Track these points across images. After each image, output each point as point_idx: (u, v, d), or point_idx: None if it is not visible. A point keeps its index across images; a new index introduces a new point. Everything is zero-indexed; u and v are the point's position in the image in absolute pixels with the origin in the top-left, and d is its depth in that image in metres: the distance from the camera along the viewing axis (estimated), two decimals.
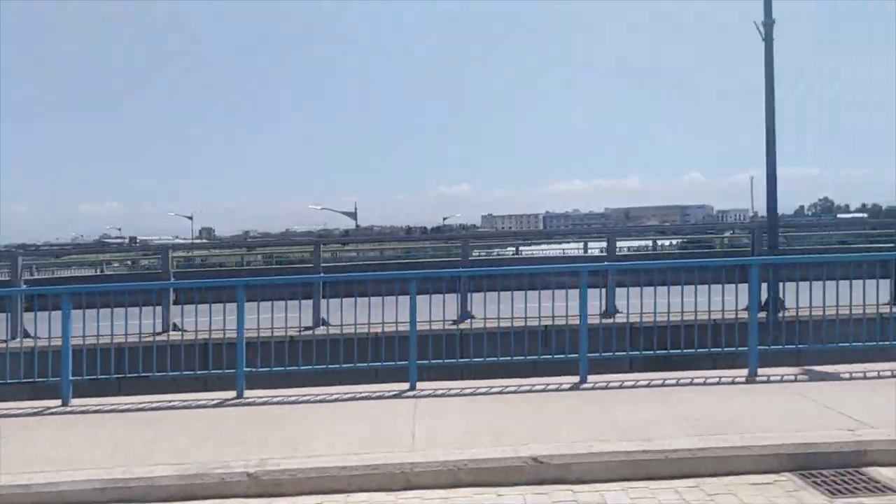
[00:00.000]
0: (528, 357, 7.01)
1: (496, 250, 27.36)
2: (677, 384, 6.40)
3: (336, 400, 6.37)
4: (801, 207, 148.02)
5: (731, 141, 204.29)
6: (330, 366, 6.96)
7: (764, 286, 9.06)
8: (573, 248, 26.05)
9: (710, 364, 7.16)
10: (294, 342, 8.25)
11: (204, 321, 7.03)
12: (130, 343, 8.10)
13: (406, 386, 6.58)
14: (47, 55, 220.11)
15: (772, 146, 11.17)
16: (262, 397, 6.55)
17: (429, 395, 6.33)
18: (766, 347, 6.93)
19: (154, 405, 6.42)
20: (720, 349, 7.18)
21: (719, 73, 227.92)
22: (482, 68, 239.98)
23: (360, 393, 6.46)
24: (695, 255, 17.92)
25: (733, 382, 6.46)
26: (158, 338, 7.95)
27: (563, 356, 6.83)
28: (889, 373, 6.47)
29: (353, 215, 45.59)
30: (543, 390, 6.37)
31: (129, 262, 29.82)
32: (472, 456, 4.65)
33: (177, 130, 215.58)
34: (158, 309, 9.06)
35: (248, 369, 6.70)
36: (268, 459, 4.72)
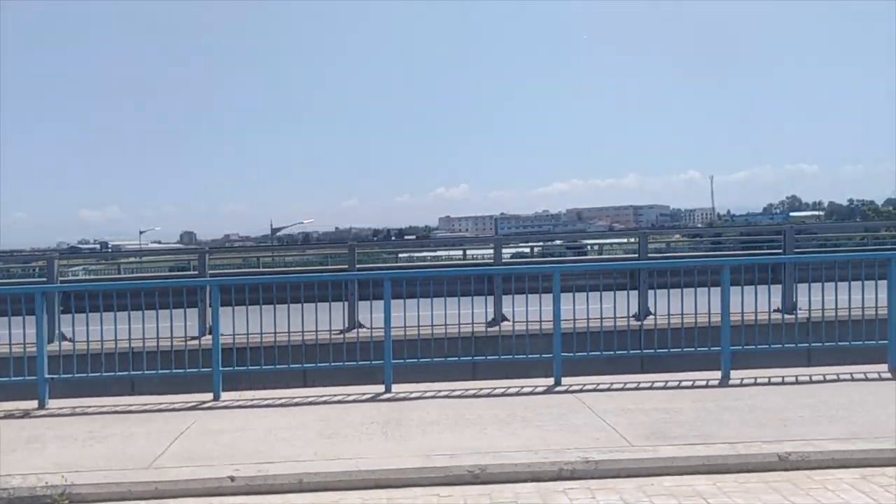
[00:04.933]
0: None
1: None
2: None
3: None
4: (770, 205, 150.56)
5: (730, 140, 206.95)
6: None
7: None
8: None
9: None
10: None
11: None
12: None
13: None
14: (46, 61, 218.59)
15: None
16: None
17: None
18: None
19: None
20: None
21: (718, 71, 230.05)
22: (482, 69, 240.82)
23: None
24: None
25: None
26: None
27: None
28: None
29: None
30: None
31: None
32: None
33: (177, 134, 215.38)
34: None
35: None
36: None
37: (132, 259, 28.75)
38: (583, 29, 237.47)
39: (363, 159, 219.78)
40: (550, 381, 6.88)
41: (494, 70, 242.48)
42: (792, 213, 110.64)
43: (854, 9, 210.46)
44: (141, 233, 64.72)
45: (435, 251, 36.18)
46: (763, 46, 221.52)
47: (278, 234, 40.12)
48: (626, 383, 6.75)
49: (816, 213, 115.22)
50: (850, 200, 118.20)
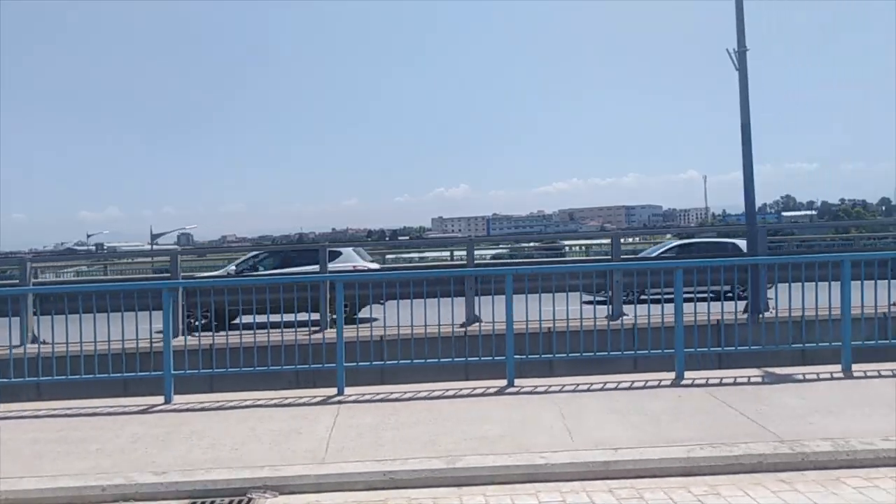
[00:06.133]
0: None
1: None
2: None
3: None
4: (764, 205, 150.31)
5: (731, 139, 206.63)
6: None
7: None
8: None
9: None
10: None
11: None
12: None
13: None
14: (47, 62, 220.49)
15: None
16: None
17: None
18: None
19: None
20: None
21: (719, 70, 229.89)
22: (483, 70, 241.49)
23: None
24: None
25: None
26: None
27: None
28: None
29: None
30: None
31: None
32: None
33: (177, 135, 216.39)
34: None
35: None
36: None
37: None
38: (585, 29, 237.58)
39: (363, 159, 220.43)
40: None
41: (495, 70, 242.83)
42: (784, 213, 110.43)
43: (854, 9, 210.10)
44: (88, 236, 63.43)
45: (423, 252, 36.37)
46: (763, 46, 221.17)
47: (157, 239, 40.19)
48: None
49: (809, 212, 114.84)
50: (842, 200, 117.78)
